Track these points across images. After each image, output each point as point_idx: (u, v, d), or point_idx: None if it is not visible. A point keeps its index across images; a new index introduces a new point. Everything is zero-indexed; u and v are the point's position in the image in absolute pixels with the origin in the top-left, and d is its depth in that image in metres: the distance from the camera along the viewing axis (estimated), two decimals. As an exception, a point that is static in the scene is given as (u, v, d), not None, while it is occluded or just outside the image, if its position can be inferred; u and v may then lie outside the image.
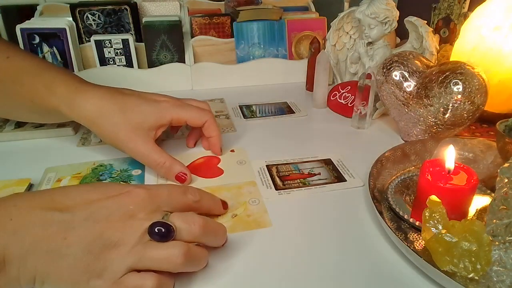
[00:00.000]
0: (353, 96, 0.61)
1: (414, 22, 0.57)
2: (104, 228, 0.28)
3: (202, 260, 0.31)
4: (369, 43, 0.60)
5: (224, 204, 0.38)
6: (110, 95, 0.43)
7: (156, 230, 0.28)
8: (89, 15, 0.70)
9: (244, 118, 0.61)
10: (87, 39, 0.71)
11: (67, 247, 0.27)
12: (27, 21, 0.67)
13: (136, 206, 0.29)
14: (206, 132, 0.48)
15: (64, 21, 0.67)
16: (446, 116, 0.47)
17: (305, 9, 0.86)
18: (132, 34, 0.72)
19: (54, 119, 0.50)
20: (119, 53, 0.69)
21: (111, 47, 0.68)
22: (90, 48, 0.68)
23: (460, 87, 0.46)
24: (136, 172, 0.46)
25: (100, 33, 0.71)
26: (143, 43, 0.70)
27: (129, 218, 0.29)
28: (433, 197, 0.32)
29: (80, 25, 0.70)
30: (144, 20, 0.71)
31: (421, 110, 0.49)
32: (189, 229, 0.29)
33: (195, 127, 0.48)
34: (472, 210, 0.36)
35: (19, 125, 0.55)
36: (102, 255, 0.27)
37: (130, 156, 0.44)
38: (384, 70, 0.52)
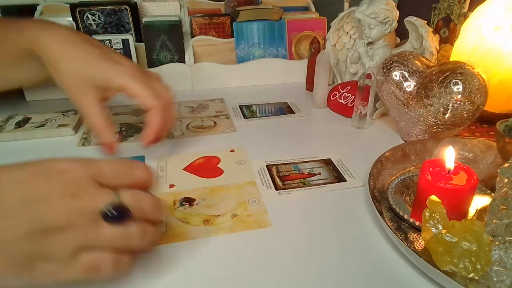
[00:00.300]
0: (353, 96, 0.61)
1: (414, 22, 0.57)
2: (42, 212, 0.25)
3: (156, 239, 0.30)
4: (369, 43, 0.60)
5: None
6: (74, 41, 0.44)
7: (111, 214, 0.26)
8: (89, 15, 0.70)
9: (244, 118, 0.61)
10: (87, 39, 0.71)
11: (3, 236, 0.25)
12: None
13: (76, 185, 0.27)
14: (149, 117, 0.44)
15: (64, 21, 0.67)
16: (446, 116, 0.47)
17: (305, 9, 0.86)
18: (132, 34, 0.72)
19: (31, 68, 0.47)
20: (119, 53, 0.69)
21: (111, 47, 0.68)
22: (90, 48, 0.68)
23: (460, 87, 0.46)
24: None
25: (100, 33, 0.71)
26: (143, 43, 0.70)
27: (71, 199, 0.26)
28: (433, 197, 0.32)
29: (80, 25, 0.70)
30: (144, 20, 0.71)
31: (421, 110, 0.49)
32: (141, 208, 0.28)
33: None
34: (472, 210, 0.36)
35: (19, 125, 0.55)
36: (46, 241, 0.25)
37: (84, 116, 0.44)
38: (384, 70, 0.52)
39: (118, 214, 0.26)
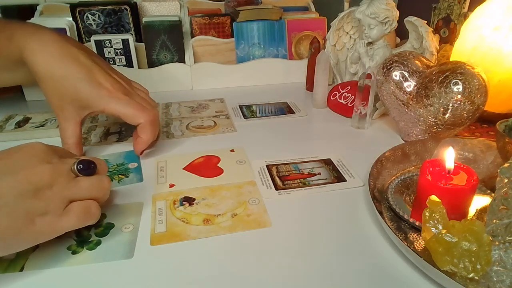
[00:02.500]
0: (353, 96, 0.60)
1: (414, 22, 0.57)
2: (28, 175, 0.30)
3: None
4: (369, 43, 0.60)
5: None
6: (62, 56, 0.44)
7: (81, 167, 0.33)
8: (89, 15, 0.70)
9: (244, 118, 0.61)
10: (87, 39, 0.71)
11: (1, 200, 0.28)
12: (27, 21, 0.67)
13: (44, 154, 0.32)
14: (138, 131, 0.47)
15: (64, 21, 0.67)
16: (446, 116, 0.47)
17: (305, 9, 0.86)
18: (132, 34, 0.72)
19: (26, 72, 0.47)
20: (119, 53, 0.69)
21: (111, 47, 0.68)
22: (90, 48, 0.68)
23: (460, 87, 0.46)
24: (132, 165, 0.46)
25: (100, 33, 0.71)
26: (143, 43, 0.70)
27: (47, 163, 0.31)
28: (433, 197, 0.32)
29: (80, 25, 0.70)
30: (144, 20, 0.71)
31: (421, 110, 0.49)
32: (100, 164, 0.36)
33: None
34: (472, 210, 0.36)
35: (19, 125, 0.55)
36: (39, 196, 0.30)
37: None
38: (384, 70, 0.52)
39: (87, 166, 0.34)
